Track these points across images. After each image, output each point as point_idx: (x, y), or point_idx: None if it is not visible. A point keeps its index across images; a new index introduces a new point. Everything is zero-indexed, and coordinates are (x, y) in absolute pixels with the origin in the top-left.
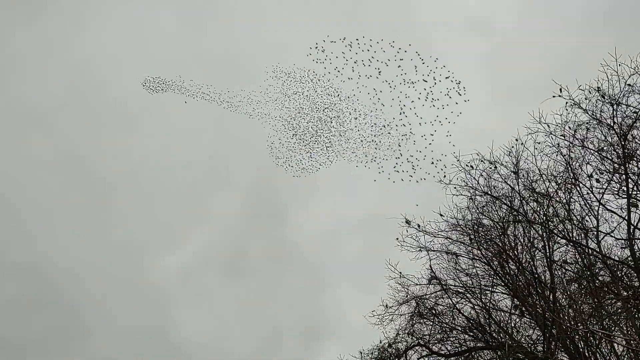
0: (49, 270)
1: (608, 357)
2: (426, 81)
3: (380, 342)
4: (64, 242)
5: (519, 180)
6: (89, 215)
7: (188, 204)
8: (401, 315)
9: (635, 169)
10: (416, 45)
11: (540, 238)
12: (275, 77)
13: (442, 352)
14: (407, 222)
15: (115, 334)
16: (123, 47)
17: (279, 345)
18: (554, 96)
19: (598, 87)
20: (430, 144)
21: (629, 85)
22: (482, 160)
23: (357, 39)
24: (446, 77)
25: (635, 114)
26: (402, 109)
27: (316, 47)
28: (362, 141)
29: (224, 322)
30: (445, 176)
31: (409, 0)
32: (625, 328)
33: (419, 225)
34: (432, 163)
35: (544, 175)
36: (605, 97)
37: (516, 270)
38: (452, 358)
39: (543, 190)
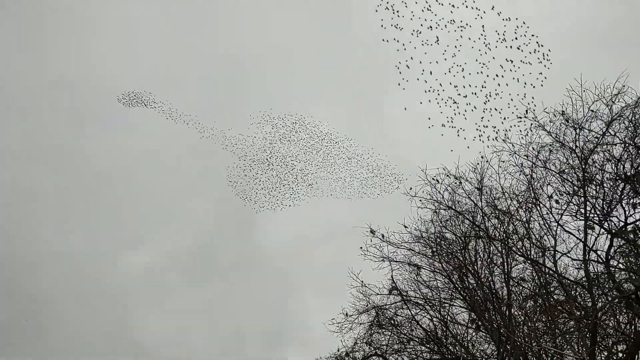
0: (6, 264)
1: None
2: None
3: (338, 351)
4: (24, 234)
5: (482, 196)
6: (53, 208)
7: (157, 203)
8: (360, 324)
9: (594, 192)
10: None
11: (499, 254)
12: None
13: None
14: (372, 231)
15: (75, 331)
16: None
17: (239, 349)
18: (519, 117)
19: (562, 111)
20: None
21: (592, 111)
22: (447, 175)
23: None
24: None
25: (596, 139)
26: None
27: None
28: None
29: (186, 323)
30: (411, 189)
31: None
32: (576, 347)
33: (383, 236)
34: (399, 179)
35: (506, 193)
36: (569, 121)
37: (475, 285)
38: None
39: (504, 208)
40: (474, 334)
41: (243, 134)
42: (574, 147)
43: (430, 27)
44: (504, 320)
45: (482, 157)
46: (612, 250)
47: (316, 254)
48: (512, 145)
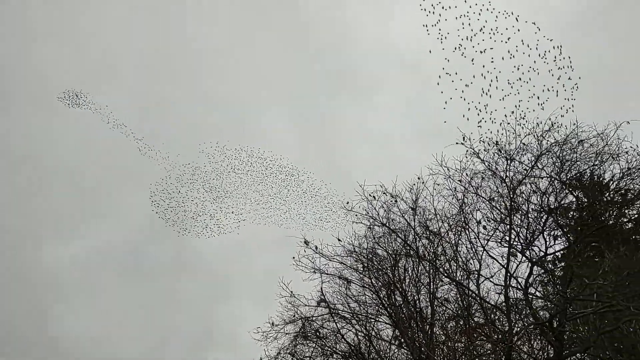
0: None
1: None
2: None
3: (260, 359)
4: None
5: (416, 217)
6: None
7: (91, 196)
8: (286, 334)
9: (519, 221)
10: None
11: (427, 274)
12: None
13: None
14: (306, 242)
15: None
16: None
17: (164, 351)
18: (457, 143)
19: (497, 142)
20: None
21: (524, 144)
22: (384, 193)
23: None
24: None
25: (525, 171)
26: None
27: None
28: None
29: (111, 321)
30: (347, 202)
31: None
32: None
33: (316, 247)
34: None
35: (438, 215)
36: (502, 152)
37: (401, 302)
38: None
39: (436, 230)
40: (396, 350)
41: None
42: (504, 177)
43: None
44: (426, 339)
45: (418, 179)
46: (531, 279)
47: (252, 261)
48: (448, 169)
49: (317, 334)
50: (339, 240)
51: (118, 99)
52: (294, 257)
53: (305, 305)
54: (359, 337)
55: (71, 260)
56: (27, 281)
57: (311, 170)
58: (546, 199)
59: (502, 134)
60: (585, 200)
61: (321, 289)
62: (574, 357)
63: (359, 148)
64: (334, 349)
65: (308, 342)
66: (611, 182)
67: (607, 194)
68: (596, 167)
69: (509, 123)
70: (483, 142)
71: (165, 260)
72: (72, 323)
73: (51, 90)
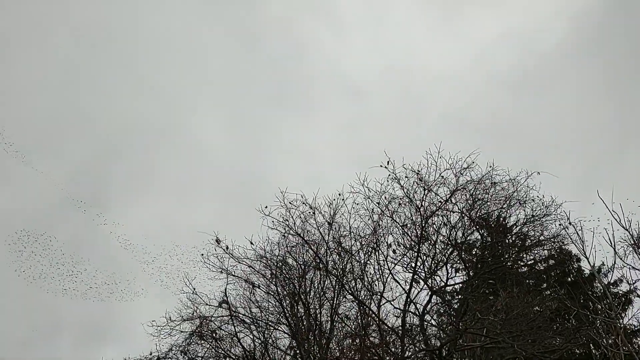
0: None
1: None
2: None
3: (151, 354)
4: None
5: (331, 231)
6: None
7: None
8: (182, 331)
9: (426, 250)
10: None
11: (332, 289)
12: None
13: None
14: (217, 241)
15: None
16: None
17: (51, 338)
18: (381, 166)
19: (418, 171)
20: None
21: (442, 177)
22: (303, 203)
23: None
24: None
25: (440, 203)
26: None
27: None
28: None
29: None
30: (266, 207)
31: None
32: None
33: (227, 247)
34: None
35: (352, 233)
36: (421, 182)
37: (303, 314)
38: None
39: (347, 247)
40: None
41: None
42: (419, 206)
43: None
44: (321, 353)
45: (339, 195)
46: (429, 306)
47: (160, 254)
48: (369, 189)
49: (214, 334)
50: (252, 243)
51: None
52: (202, 254)
53: (206, 304)
54: (256, 343)
55: None
56: None
57: (236, 173)
58: (454, 233)
59: (424, 165)
60: (489, 239)
61: (225, 290)
62: None
63: (288, 162)
64: (229, 352)
65: (203, 342)
66: (514, 227)
67: (510, 237)
68: (504, 209)
69: (431, 155)
70: (405, 168)
71: (68, 243)
72: None
73: None
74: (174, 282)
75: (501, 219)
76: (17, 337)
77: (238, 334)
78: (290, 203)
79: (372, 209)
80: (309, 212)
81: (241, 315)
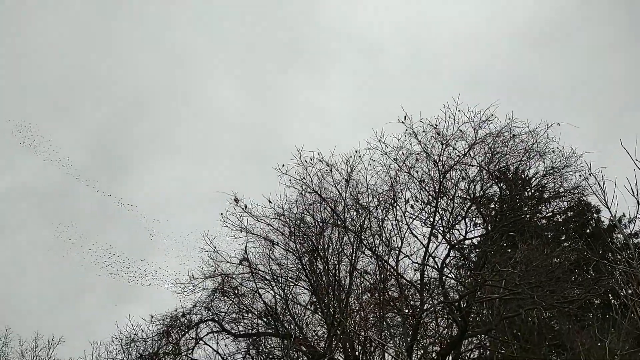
0: None
1: None
2: None
3: (176, 311)
4: None
5: (348, 188)
6: None
7: (24, 127)
8: (204, 289)
9: (445, 205)
10: None
11: (350, 245)
12: None
13: (233, 332)
14: (236, 200)
15: None
16: None
17: (80, 296)
18: (398, 120)
19: (435, 125)
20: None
21: (461, 130)
22: (320, 161)
23: None
24: None
25: (458, 157)
26: None
27: None
28: None
29: (28, 263)
30: (283, 165)
31: None
32: (398, 341)
33: (245, 206)
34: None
35: (369, 190)
36: (439, 136)
37: (322, 270)
38: (240, 338)
39: (365, 203)
40: (310, 315)
41: None
42: (437, 161)
43: None
44: (340, 307)
45: (355, 152)
46: (447, 260)
47: (182, 214)
48: (385, 145)
49: (236, 291)
50: (270, 202)
51: None
52: (222, 214)
53: (227, 262)
54: (277, 298)
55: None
56: None
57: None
58: (473, 187)
59: (442, 119)
60: (508, 193)
61: (245, 248)
62: (475, 337)
63: (303, 121)
64: (251, 307)
65: (225, 298)
66: (534, 179)
67: (529, 189)
68: (523, 162)
69: (449, 109)
70: (422, 123)
71: (91, 207)
72: None
73: None
74: (195, 241)
75: (520, 171)
76: (44, 301)
77: (259, 290)
78: (307, 161)
79: (389, 165)
80: (326, 170)
81: (261, 272)
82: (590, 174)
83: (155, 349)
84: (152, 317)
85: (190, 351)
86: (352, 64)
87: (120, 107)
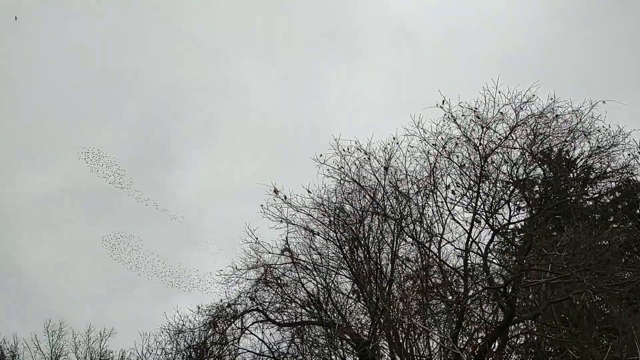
0: None
1: (423, 351)
2: None
3: (221, 301)
4: None
5: (387, 176)
6: None
7: (66, 127)
8: (247, 279)
9: (487, 189)
10: None
11: (391, 233)
12: None
13: (278, 321)
14: (275, 191)
15: None
16: None
17: (129, 290)
18: (436, 105)
19: (475, 108)
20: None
21: (501, 113)
22: (358, 149)
23: None
24: None
25: (499, 140)
26: None
27: None
28: None
29: (74, 258)
30: (321, 155)
31: None
32: (443, 328)
33: (285, 197)
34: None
35: (409, 177)
36: (479, 119)
37: (363, 259)
38: (285, 327)
39: (404, 190)
40: (353, 303)
41: None
42: (477, 144)
43: None
44: (383, 295)
45: (393, 139)
46: (491, 246)
47: (225, 206)
48: (424, 131)
49: (278, 281)
50: (309, 192)
51: None
52: (262, 205)
53: (269, 252)
54: (319, 287)
55: (40, 192)
56: None
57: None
58: (515, 170)
59: (481, 102)
60: (551, 175)
61: (286, 238)
62: (522, 323)
63: (339, 111)
64: (294, 297)
65: (268, 288)
66: (578, 160)
67: (574, 170)
68: (567, 142)
69: (488, 91)
70: (461, 107)
71: (137, 202)
72: (35, 254)
73: None
74: (236, 234)
75: (564, 152)
76: (95, 293)
77: (301, 279)
78: (344, 150)
79: (428, 151)
80: (364, 158)
81: (302, 262)
82: (639, 152)
83: (203, 339)
84: (198, 308)
85: (236, 340)
86: (387, 50)
87: (157, 106)
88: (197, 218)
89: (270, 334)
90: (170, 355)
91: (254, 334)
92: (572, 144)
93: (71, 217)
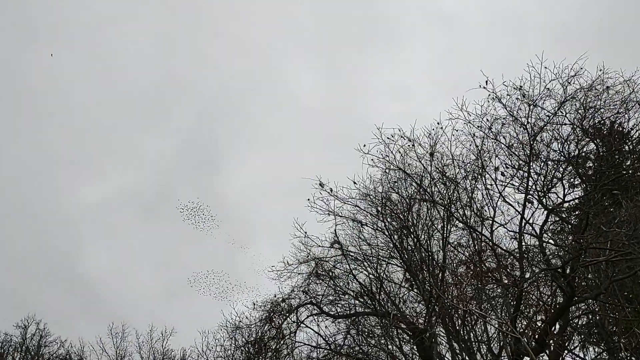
0: None
1: (481, 337)
2: None
3: (275, 297)
4: None
5: (433, 162)
6: (8, 124)
7: (118, 136)
8: (299, 274)
9: (538, 168)
10: None
11: (440, 219)
12: None
13: (332, 313)
14: (321, 184)
15: (24, 258)
16: None
17: (183, 291)
18: (479, 86)
19: (520, 86)
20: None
21: (548, 89)
22: (402, 137)
23: None
24: None
25: (547, 118)
26: None
27: None
28: None
29: (133, 261)
30: (365, 145)
31: None
32: (500, 312)
33: (331, 190)
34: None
35: (455, 161)
36: (525, 97)
37: (413, 247)
38: (340, 319)
39: (452, 175)
40: (406, 292)
41: None
42: (525, 123)
43: None
44: (436, 282)
45: (437, 124)
46: (546, 226)
47: (273, 204)
48: (468, 114)
49: (330, 274)
50: (355, 183)
51: None
52: (308, 199)
53: (319, 246)
54: (370, 278)
55: (98, 201)
56: (58, 220)
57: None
58: (567, 147)
59: (527, 79)
60: (605, 149)
61: (335, 230)
62: (582, 303)
63: (383, 101)
64: (346, 288)
65: (321, 281)
66: (633, 131)
67: (629, 143)
68: (620, 114)
69: (533, 67)
70: (506, 86)
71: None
72: (97, 262)
73: None
74: (287, 230)
75: (617, 125)
76: (157, 292)
77: (352, 271)
78: (388, 138)
79: (474, 133)
80: (408, 145)
81: (352, 254)
82: None
83: (259, 334)
84: (254, 304)
85: (292, 334)
86: (428, 36)
87: (206, 107)
88: (246, 217)
89: (326, 327)
90: (229, 351)
91: (309, 327)
92: (626, 115)
93: (129, 222)
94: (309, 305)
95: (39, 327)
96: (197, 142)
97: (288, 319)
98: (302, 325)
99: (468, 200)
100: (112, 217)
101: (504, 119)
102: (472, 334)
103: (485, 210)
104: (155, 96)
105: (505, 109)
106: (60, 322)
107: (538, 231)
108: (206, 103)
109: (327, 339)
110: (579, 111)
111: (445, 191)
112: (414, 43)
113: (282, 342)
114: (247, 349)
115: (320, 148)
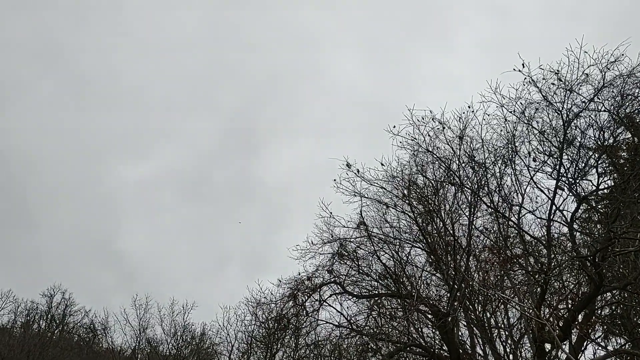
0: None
1: (502, 323)
2: None
3: (299, 274)
4: (26, 126)
5: (462, 145)
6: (58, 106)
7: (161, 117)
8: (322, 254)
9: (571, 156)
10: None
11: (467, 204)
12: None
13: (355, 293)
14: (348, 165)
15: (62, 232)
16: None
17: (220, 271)
18: (515, 69)
19: (557, 70)
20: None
21: (586, 74)
22: (432, 119)
23: None
24: None
25: (583, 104)
26: None
27: None
28: None
29: (171, 241)
30: (394, 126)
31: None
32: (524, 298)
33: (358, 171)
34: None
35: (485, 145)
36: (561, 82)
37: (439, 230)
38: (362, 299)
39: (481, 160)
40: (430, 276)
41: None
42: (560, 108)
43: None
44: (460, 267)
45: (468, 107)
46: (577, 214)
47: (309, 189)
48: (502, 97)
49: (354, 254)
50: (382, 164)
51: None
52: (334, 180)
53: (343, 226)
54: (394, 260)
55: (138, 180)
56: (96, 198)
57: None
58: (602, 134)
59: (564, 64)
60: (637, 138)
61: (360, 211)
62: (609, 293)
63: (431, 91)
64: (369, 270)
65: (344, 261)
66: None
67: None
68: None
69: (572, 52)
70: (542, 69)
71: (228, 186)
72: (136, 241)
73: None
74: (314, 209)
75: None
76: (191, 272)
77: (376, 252)
78: (418, 120)
79: (506, 118)
80: (438, 128)
81: (376, 235)
82: None
83: (281, 311)
84: (279, 281)
85: (315, 312)
86: (478, 26)
87: (251, 91)
88: (282, 200)
89: (348, 307)
90: (250, 327)
91: (332, 306)
92: None
93: (167, 202)
94: (332, 285)
95: (65, 297)
96: (240, 126)
97: (311, 297)
98: (324, 303)
99: (496, 185)
100: (151, 196)
101: (538, 103)
102: (492, 320)
103: (514, 197)
104: (203, 80)
105: (541, 93)
106: (94, 296)
107: (568, 219)
108: (252, 87)
109: (349, 318)
110: (616, 98)
111: (473, 175)
112: (464, 33)
113: (306, 319)
114: (268, 324)
115: (364, 136)
